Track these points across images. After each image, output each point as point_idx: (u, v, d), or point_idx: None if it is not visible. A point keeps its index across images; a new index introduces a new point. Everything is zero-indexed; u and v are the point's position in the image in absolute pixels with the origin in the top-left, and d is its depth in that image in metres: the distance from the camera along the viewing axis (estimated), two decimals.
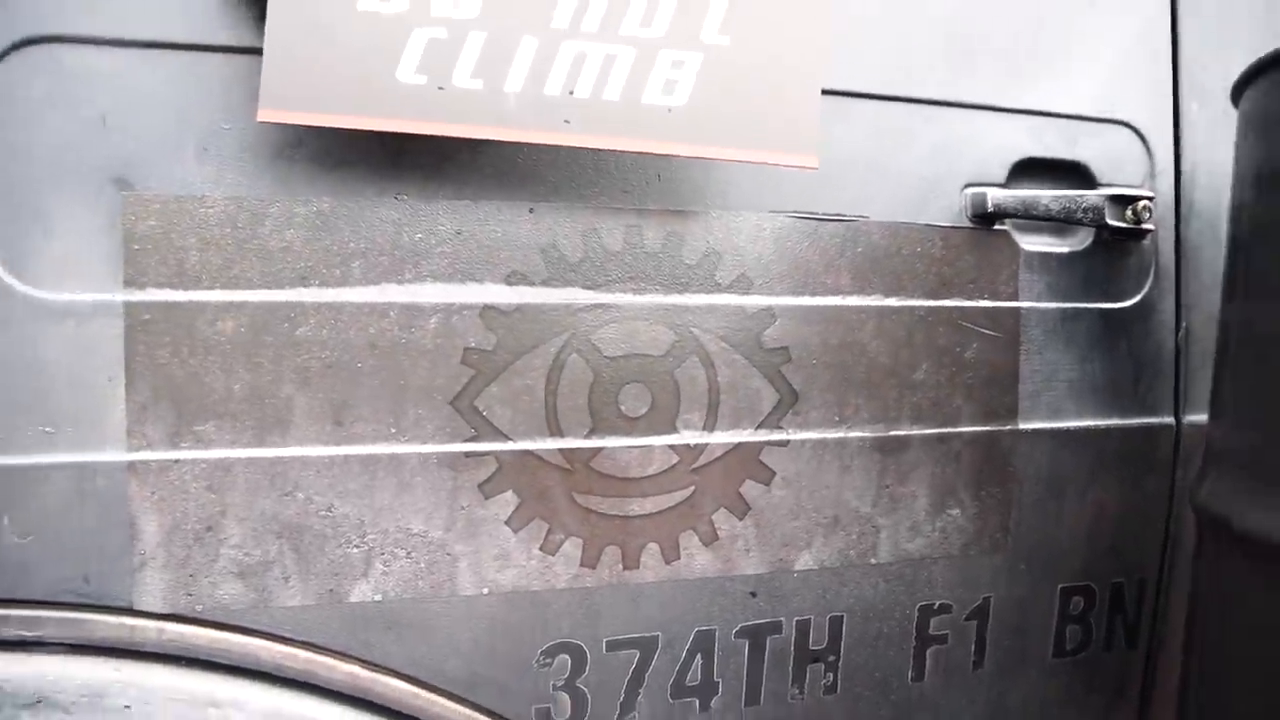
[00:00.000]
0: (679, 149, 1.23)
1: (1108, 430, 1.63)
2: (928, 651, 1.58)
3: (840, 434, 1.46)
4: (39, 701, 1.13)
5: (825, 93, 1.37)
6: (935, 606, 1.58)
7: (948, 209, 1.52)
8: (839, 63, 1.44)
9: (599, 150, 1.27)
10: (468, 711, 1.35)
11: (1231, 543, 1.25)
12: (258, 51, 1.18)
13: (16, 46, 1.13)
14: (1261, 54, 1.28)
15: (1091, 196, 1.57)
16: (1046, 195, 1.54)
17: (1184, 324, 1.68)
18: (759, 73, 1.24)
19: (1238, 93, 1.34)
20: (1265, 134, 1.27)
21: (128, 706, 1.17)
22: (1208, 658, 1.35)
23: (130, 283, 1.17)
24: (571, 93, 1.18)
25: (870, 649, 1.54)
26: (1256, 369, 1.26)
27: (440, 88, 1.15)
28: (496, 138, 1.18)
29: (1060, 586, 1.66)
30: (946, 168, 1.52)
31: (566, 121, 1.19)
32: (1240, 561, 1.24)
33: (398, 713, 1.33)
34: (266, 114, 1.12)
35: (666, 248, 1.36)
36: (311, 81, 1.12)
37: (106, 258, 1.17)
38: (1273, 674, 1.17)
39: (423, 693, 1.33)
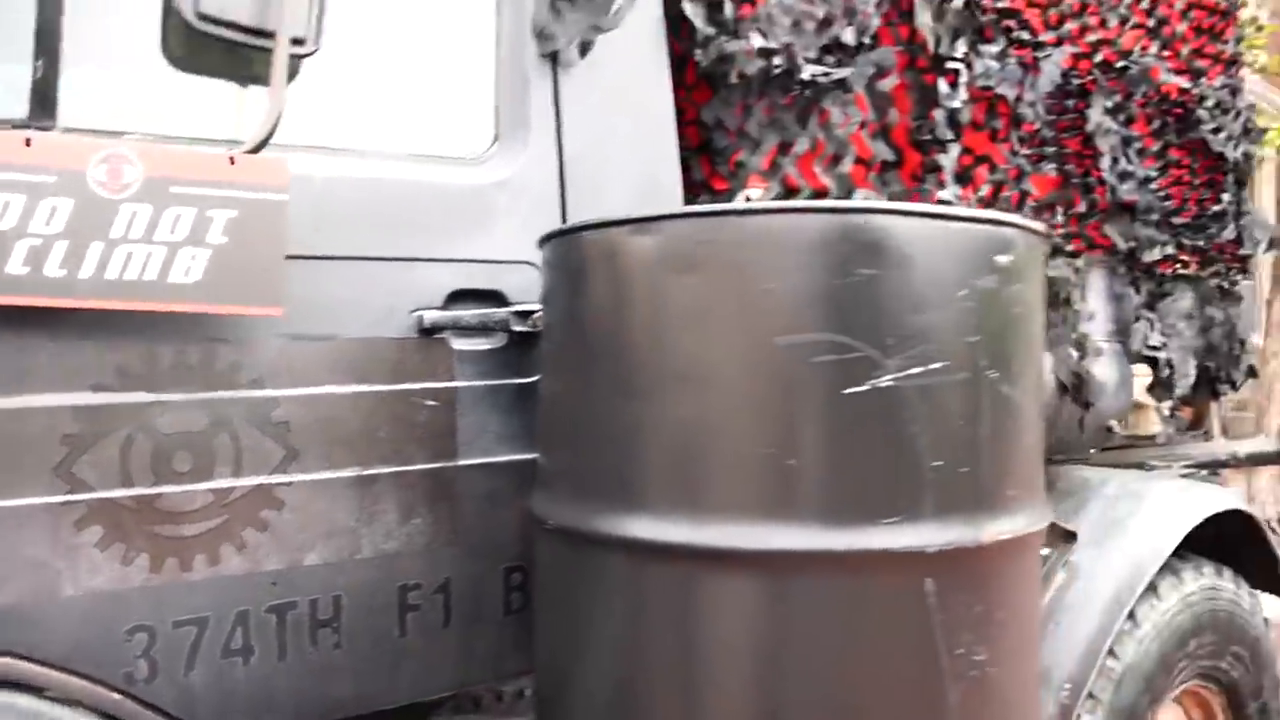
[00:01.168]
0: (196, 308, 1.95)
1: (524, 461, 2.42)
2: (408, 616, 2.31)
3: (329, 475, 2.20)
4: None
5: (317, 257, 2.16)
6: (410, 585, 2.31)
7: (401, 325, 2.29)
8: (329, 237, 2.20)
9: (149, 310, 1.94)
10: (71, 678, 1.92)
11: (533, 524, 2.15)
12: None
13: None
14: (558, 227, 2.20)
15: (501, 312, 2.40)
16: (467, 313, 2.36)
17: None
18: (243, 258, 1.96)
19: (540, 246, 2.26)
20: (543, 273, 2.21)
21: None
22: (535, 599, 2.24)
23: None
24: (124, 276, 1.88)
25: (364, 617, 2.25)
26: (543, 419, 2.19)
27: (37, 275, 1.82)
28: (76, 306, 1.84)
29: (504, 566, 2.46)
30: (401, 299, 2.29)
31: (122, 293, 1.88)
32: (538, 535, 2.14)
33: (17, 683, 1.88)
34: None
35: (203, 362, 2.04)
36: None
37: None
38: (554, 599, 2.08)
39: (37, 667, 1.90)
